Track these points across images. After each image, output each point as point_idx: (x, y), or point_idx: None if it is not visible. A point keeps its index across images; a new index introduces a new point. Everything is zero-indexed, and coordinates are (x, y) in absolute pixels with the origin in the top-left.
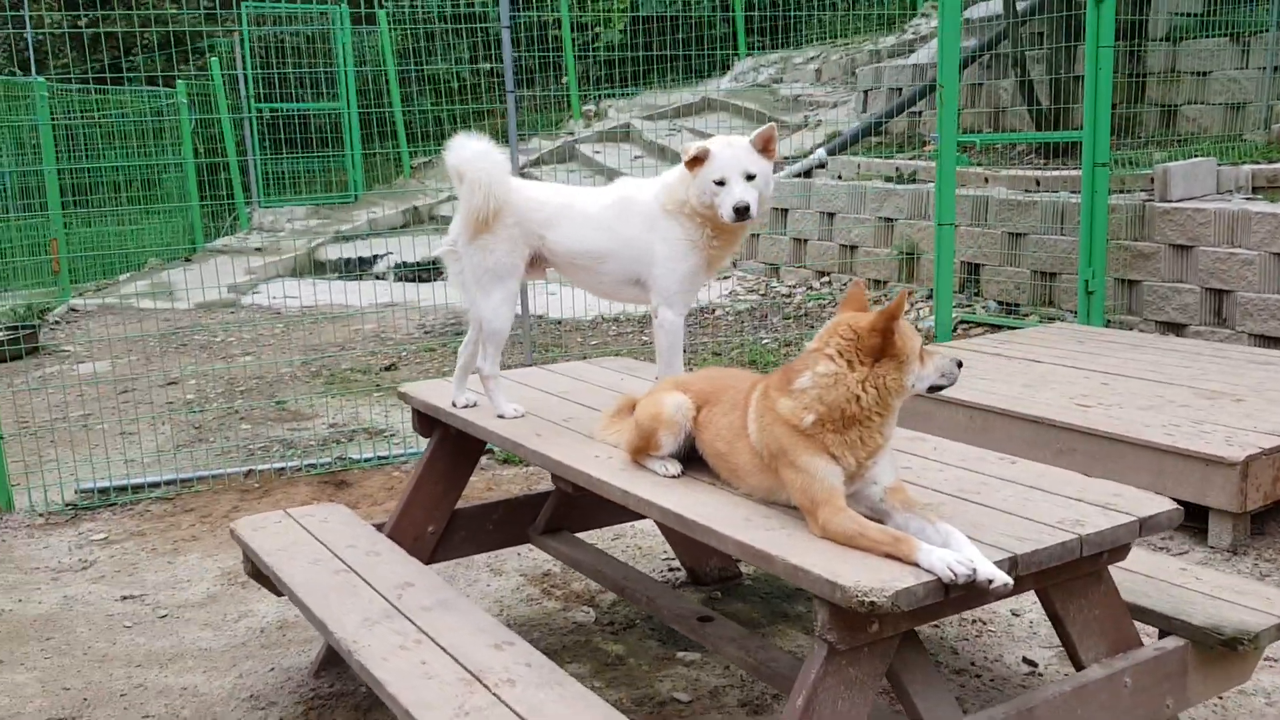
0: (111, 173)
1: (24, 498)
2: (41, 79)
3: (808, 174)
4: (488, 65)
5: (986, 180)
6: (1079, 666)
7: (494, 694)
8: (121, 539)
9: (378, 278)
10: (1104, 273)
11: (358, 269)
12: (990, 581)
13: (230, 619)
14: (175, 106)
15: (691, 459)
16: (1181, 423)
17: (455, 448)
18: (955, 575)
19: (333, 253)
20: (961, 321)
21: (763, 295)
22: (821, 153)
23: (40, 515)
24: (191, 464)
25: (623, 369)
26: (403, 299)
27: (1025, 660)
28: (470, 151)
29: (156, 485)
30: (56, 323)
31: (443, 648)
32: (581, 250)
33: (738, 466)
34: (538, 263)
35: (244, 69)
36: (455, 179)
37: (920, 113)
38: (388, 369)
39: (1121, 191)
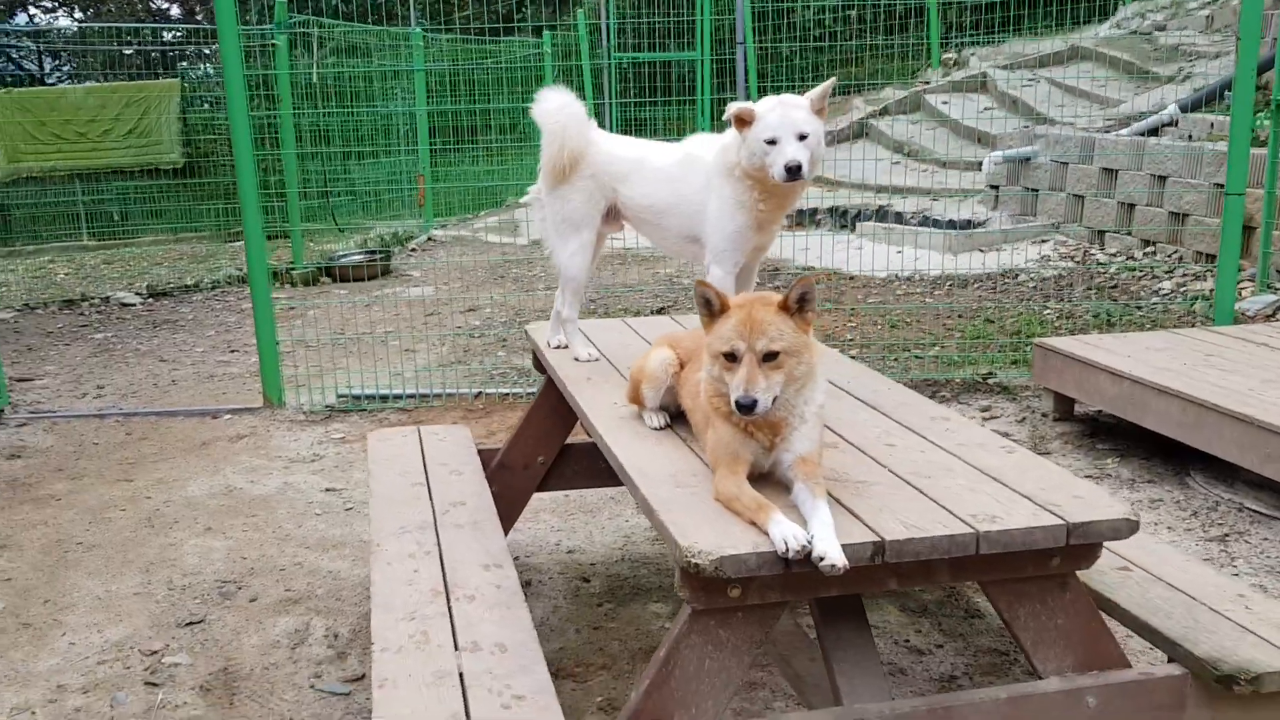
0: (479, 116)
1: (299, 397)
2: (418, 29)
3: (1154, 132)
4: (851, 11)
5: None
6: (1038, 678)
7: (449, 605)
8: (355, 440)
9: None
10: None
11: None
12: (822, 559)
13: None
14: (540, 56)
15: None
16: None
17: None
18: (787, 548)
19: None
20: None
21: (1078, 262)
22: (1173, 109)
23: (303, 413)
24: (442, 382)
25: None
26: None
27: None
28: (552, 104)
29: (400, 397)
30: (413, 250)
31: (442, 561)
32: (647, 205)
33: (696, 424)
34: (614, 215)
35: (606, 19)
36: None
37: None
38: (658, 312)
39: None
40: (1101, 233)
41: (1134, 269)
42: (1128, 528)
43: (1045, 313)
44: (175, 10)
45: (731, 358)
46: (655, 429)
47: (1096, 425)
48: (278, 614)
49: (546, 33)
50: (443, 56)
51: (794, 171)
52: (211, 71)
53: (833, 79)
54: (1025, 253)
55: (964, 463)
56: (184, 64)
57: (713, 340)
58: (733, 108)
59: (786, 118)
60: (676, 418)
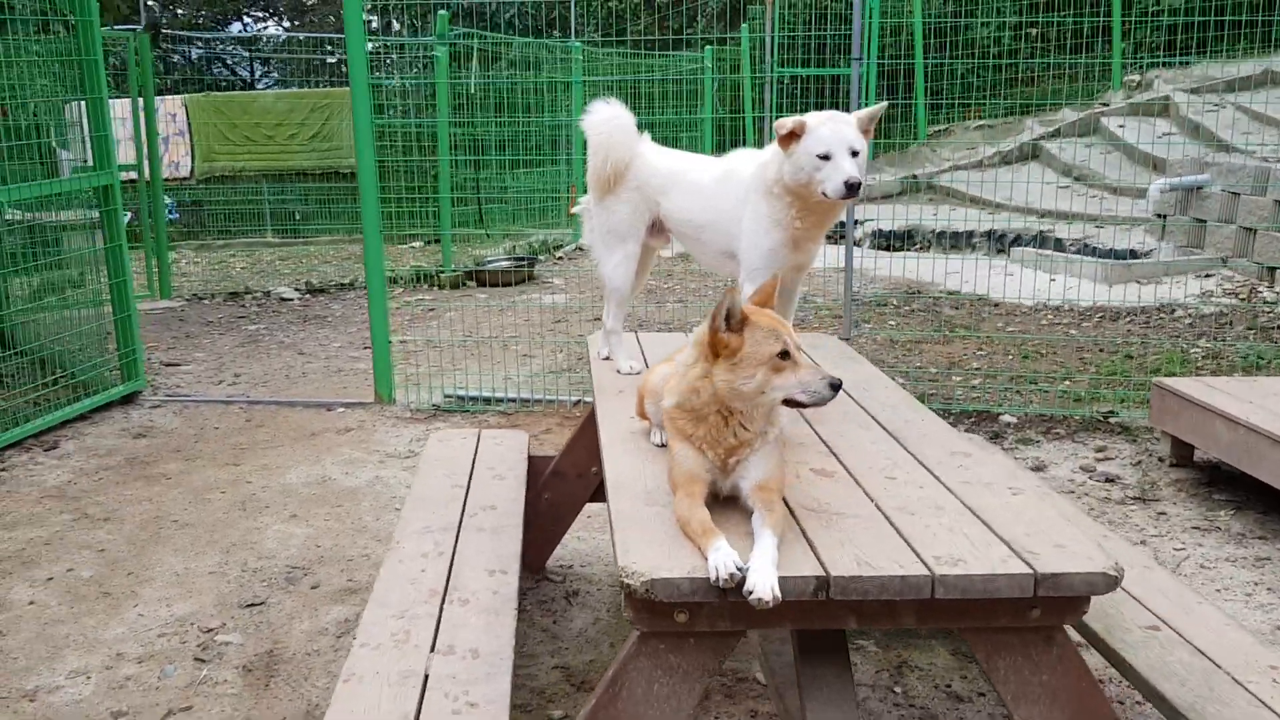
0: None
1: (408, 395)
2: (578, 43)
3: None
4: (1033, 30)
5: None
6: None
7: (441, 606)
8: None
9: (854, 244)
10: None
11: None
12: (750, 592)
13: None
14: (700, 70)
15: None
16: None
17: None
18: (718, 577)
19: None
20: None
21: (1243, 299)
22: None
23: (410, 411)
24: (545, 388)
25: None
26: (858, 267)
27: None
28: (600, 116)
29: (502, 400)
30: (559, 259)
31: (452, 563)
32: (687, 219)
33: None
34: (660, 228)
35: (771, 33)
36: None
37: None
38: None
39: None
40: (1272, 269)
41: None
42: (1105, 583)
43: (1192, 351)
44: (375, 22)
45: (785, 355)
46: (658, 445)
47: (1216, 473)
48: (334, 602)
49: (708, 47)
50: (604, 70)
51: (854, 188)
52: (395, 80)
53: (884, 103)
54: (1186, 287)
55: (959, 501)
56: (378, 73)
57: (759, 346)
58: (786, 122)
59: (839, 133)
60: None
